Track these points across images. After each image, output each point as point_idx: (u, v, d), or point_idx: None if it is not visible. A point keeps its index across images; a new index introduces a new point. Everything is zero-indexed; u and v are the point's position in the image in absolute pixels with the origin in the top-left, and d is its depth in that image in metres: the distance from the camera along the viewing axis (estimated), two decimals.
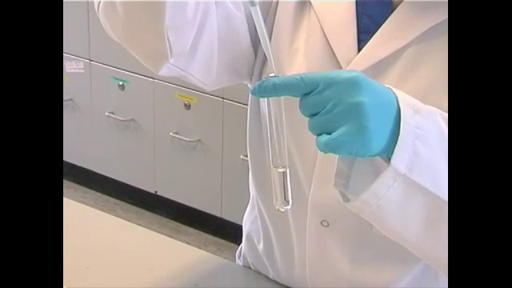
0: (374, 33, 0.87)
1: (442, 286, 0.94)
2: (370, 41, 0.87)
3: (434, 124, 0.77)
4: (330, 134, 0.72)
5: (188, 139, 2.60)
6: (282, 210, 0.79)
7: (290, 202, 0.78)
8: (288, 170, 0.77)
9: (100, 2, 0.89)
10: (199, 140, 2.58)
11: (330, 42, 0.88)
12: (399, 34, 0.85)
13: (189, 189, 2.68)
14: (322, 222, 0.96)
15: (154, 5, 0.83)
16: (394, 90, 0.76)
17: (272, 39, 0.91)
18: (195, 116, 2.56)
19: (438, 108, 0.81)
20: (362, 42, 0.88)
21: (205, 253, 1.16)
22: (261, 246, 1.08)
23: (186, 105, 2.55)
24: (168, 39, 0.85)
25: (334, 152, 0.73)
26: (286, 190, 0.78)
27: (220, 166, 2.55)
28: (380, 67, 0.86)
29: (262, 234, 1.07)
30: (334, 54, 0.88)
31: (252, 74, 0.98)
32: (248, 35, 0.94)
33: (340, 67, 0.88)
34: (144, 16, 0.85)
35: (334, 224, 0.95)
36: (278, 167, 0.77)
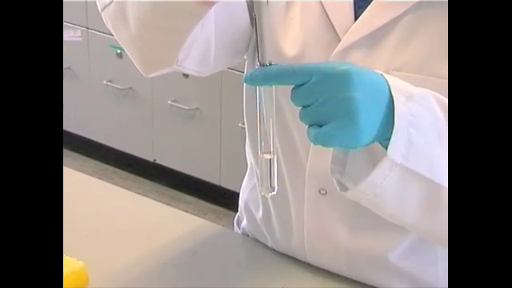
0: (370, 0, 0.86)
1: (439, 248, 0.95)
2: (367, 8, 0.86)
3: (427, 108, 0.78)
4: (320, 126, 0.73)
5: (186, 107, 2.60)
6: (267, 195, 0.79)
7: (276, 189, 0.79)
8: (275, 157, 0.78)
9: (106, 5, 0.88)
10: (197, 108, 2.58)
11: (327, 10, 0.88)
12: (396, 2, 0.85)
13: (187, 157, 2.68)
14: (319, 191, 0.95)
15: (174, 34, 0.83)
16: (387, 76, 0.77)
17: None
18: (193, 84, 2.55)
19: (436, 76, 0.82)
20: (359, 9, 0.87)
21: (203, 221, 1.16)
22: (259, 215, 1.08)
23: (184, 73, 2.56)
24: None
25: (324, 145, 0.74)
26: (271, 177, 0.78)
27: (219, 134, 2.56)
28: (377, 35, 0.86)
29: (260, 202, 1.07)
30: (330, 22, 0.88)
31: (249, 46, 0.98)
32: (247, 13, 0.92)
33: (337, 36, 0.88)
34: (160, 41, 0.85)
35: (332, 192, 0.94)
36: (265, 154, 0.78)
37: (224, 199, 2.60)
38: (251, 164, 1.07)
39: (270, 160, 0.78)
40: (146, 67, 0.91)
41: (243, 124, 1.04)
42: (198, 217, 1.18)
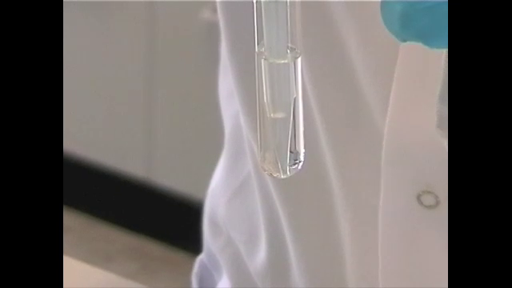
0: None
1: None
2: None
3: None
4: None
5: None
6: (283, 174, 0.76)
7: (301, 157, 0.76)
8: (299, 61, 0.74)
9: None
10: None
11: None
12: None
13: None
14: (419, 197, 0.93)
15: None
16: None
17: None
18: None
19: None
20: None
21: (110, 275, 1.13)
22: (259, 259, 1.07)
23: None
24: None
25: (424, 38, 0.72)
26: (296, 126, 0.75)
27: (148, 35, 2.62)
28: None
29: (262, 226, 1.05)
30: None
31: None
32: None
33: None
34: None
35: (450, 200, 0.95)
36: (276, 58, 0.74)
37: (162, 218, 2.72)
38: (235, 126, 1.03)
39: (288, 66, 0.73)
40: None
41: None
42: (92, 265, 1.13)
